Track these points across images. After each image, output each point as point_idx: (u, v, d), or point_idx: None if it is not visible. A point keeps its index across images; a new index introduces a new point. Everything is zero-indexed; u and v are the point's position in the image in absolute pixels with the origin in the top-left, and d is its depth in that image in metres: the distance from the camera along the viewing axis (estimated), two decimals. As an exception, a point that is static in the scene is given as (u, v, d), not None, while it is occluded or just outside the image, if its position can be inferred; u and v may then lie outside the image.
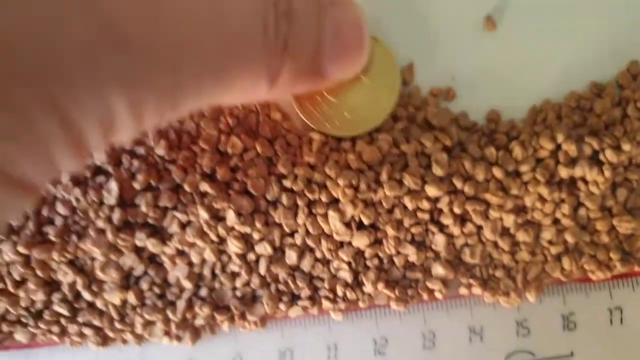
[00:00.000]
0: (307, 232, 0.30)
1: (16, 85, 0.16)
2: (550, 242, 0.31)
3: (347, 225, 0.30)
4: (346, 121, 0.31)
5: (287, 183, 0.30)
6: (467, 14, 0.33)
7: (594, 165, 0.30)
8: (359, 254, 0.30)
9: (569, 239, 0.31)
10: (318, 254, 0.30)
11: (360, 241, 0.30)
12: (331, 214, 0.30)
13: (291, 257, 0.30)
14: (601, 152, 0.30)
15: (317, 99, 0.31)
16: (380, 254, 0.30)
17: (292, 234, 0.31)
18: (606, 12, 0.33)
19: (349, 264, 0.30)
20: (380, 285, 0.30)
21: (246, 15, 0.21)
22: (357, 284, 0.31)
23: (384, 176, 0.30)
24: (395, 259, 0.30)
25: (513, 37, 0.33)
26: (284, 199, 0.30)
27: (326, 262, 0.31)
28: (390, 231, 0.30)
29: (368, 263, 0.30)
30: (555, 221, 0.31)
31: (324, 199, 0.30)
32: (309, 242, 0.30)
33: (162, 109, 0.20)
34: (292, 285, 0.30)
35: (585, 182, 0.31)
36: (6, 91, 0.16)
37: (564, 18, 0.33)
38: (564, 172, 0.30)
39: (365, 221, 0.30)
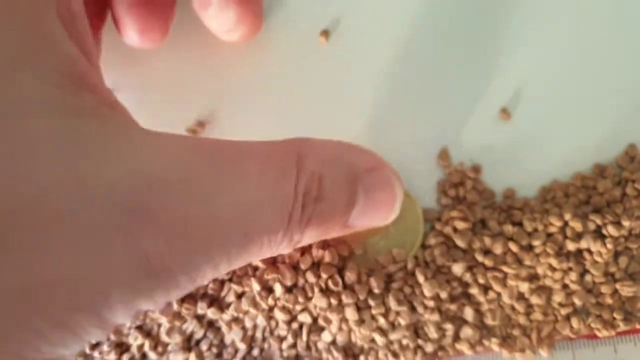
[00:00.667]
0: (342, 318, 0.34)
1: (73, 313, 0.20)
2: (560, 304, 0.35)
3: (392, 324, 0.34)
4: (370, 262, 0.36)
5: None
6: (484, 105, 0.38)
7: (597, 239, 0.35)
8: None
9: (577, 301, 0.35)
10: (354, 335, 0.35)
11: (399, 334, 0.34)
12: (375, 312, 0.34)
13: (327, 336, 0.35)
14: (604, 227, 0.35)
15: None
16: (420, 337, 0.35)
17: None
18: (607, 100, 0.37)
19: (386, 346, 0.35)
20: (417, 358, 0.34)
21: (273, 210, 0.24)
22: (393, 356, 0.35)
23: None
24: (430, 335, 0.35)
25: (525, 124, 0.38)
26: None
27: (363, 341, 0.35)
28: (432, 317, 0.34)
29: (405, 342, 0.35)
30: (565, 286, 0.35)
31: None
32: (344, 327, 0.34)
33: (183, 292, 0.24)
34: (329, 356, 0.35)
35: (590, 252, 0.35)
36: (66, 317, 0.20)
37: (570, 106, 0.38)
38: (571, 245, 0.35)
39: (402, 322, 0.34)
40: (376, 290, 0.34)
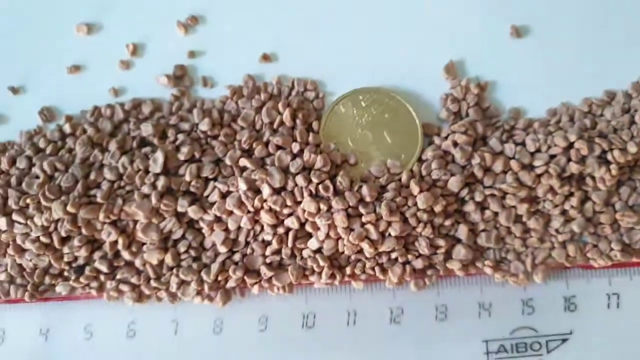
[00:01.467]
0: (331, 225, 0.32)
1: None
2: (557, 231, 0.34)
3: (382, 234, 0.33)
4: (362, 172, 0.35)
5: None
6: (495, 22, 0.36)
7: (602, 164, 0.33)
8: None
9: (575, 229, 0.33)
10: (341, 244, 0.33)
11: (389, 244, 0.32)
12: (365, 219, 0.32)
13: (313, 244, 0.33)
14: (609, 152, 0.33)
15: None
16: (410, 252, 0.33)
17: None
18: (623, 28, 0.36)
19: (374, 258, 0.33)
20: (405, 275, 0.33)
21: None
22: (381, 270, 0.33)
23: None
24: (421, 251, 0.33)
25: (536, 45, 0.36)
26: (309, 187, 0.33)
27: (350, 251, 0.33)
28: (425, 232, 0.32)
29: (393, 255, 0.33)
30: (564, 212, 0.34)
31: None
32: (332, 234, 0.32)
33: None
34: (314, 265, 0.33)
35: (593, 178, 0.33)
36: None
37: (584, 31, 0.36)
38: (574, 168, 0.33)
39: (393, 233, 0.32)
40: (368, 199, 0.33)
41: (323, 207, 0.32)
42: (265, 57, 0.36)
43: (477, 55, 0.36)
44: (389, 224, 0.32)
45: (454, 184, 0.33)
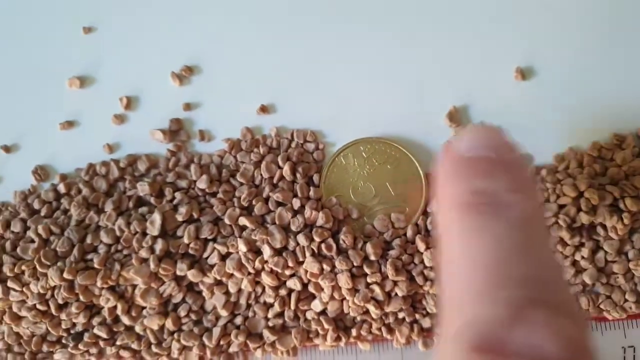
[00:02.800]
0: (335, 286, 0.32)
1: None
2: (569, 283, 0.33)
3: (388, 294, 0.32)
4: (366, 227, 0.34)
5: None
6: (499, 64, 0.35)
7: (613, 213, 0.32)
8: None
9: (587, 280, 0.32)
10: (346, 305, 0.32)
11: (396, 305, 0.32)
12: (370, 279, 0.31)
13: (317, 305, 0.32)
14: (621, 200, 0.32)
15: None
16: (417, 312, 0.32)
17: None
18: (631, 68, 0.35)
19: (381, 319, 0.32)
20: (413, 334, 0.32)
21: None
22: (388, 331, 0.32)
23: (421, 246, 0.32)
24: (429, 309, 0.32)
25: (542, 88, 0.35)
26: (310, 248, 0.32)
27: (356, 313, 0.32)
28: (432, 290, 0.32)
29: (401, 315, 0.32)
30: (574, 263, 0.33)
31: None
32: (336, 295, 0.32)
33: None
34: (318, 327, 0.32)
35: (605, 227, 0.32)
36: None
37: (592, 72, 0.35)
38: (584, 218, 0.32)
39: (400, 292, 0.32)
40: (372, 257, 0.32)
41: (326, 267, 0.31)
42: (264, 109, 0.35)
43: (481, 100, 0.35)
44: (395, 283, 0.31)
45: (460, 239, 0.32)
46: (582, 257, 0.32)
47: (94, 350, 0.33)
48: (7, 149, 0.36)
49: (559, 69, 0.35)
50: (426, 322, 0.32)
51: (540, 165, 0.34)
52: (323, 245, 0.32)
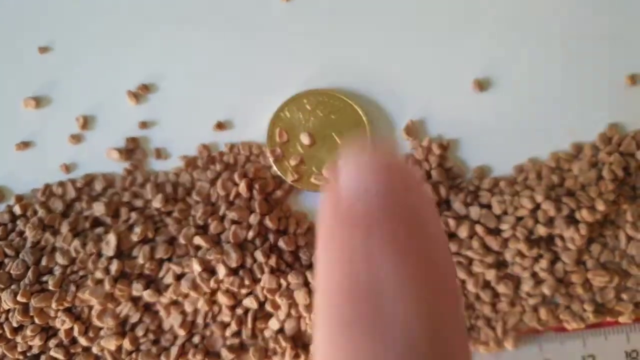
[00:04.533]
0: (292, 304, 0.31)
1: None
2: (528, 294, 0.33)
3: None
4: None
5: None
6: (457, 75, 0.35)
7: (570, 224, 0.32)
8: None
9: (546, 291, 0.32)
10: (303, 322, 0.32)
11: None
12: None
13: (274, 324, 0.32)
14: (577, 211, 0.32)
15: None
16: None
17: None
18: (590, 77, 0.35)
19: None
20: None
21: None
22: None
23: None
24: None
25: (500, 99, 0.35)
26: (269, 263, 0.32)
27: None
28: None
29: None
30: (533, 274, 0.33)
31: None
32: (293, 312, 0.31)
33: None
34: (276, 345, 0.32)
35: (562, 238, 0.32)
36: None
37: (550, 82, 0.35)
38: (542, 230, 0.32)
39: None
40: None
41: (284, 282, 0.31)
42: (220, 125, 0.35)
43: (438, 112, 0.35)
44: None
45: (417, 253, 0.32)
46: (541, 269, 0.32)
47: (51, 373, 0.33)
48: (-37, 171, 0.36)
49: (517, 79, 0.35)
50: (385, 338, 0.32)
51: (499, 176, 0.34)
52: (281, 261, 0.31)
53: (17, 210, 0.35)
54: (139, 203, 0.34)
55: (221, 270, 0.31)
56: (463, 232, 0.32)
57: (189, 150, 0.35)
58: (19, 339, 0.32)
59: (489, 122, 0.35)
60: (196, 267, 0.31)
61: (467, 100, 0.35)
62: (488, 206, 0.33)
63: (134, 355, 0.32)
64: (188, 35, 0.37)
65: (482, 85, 0.35)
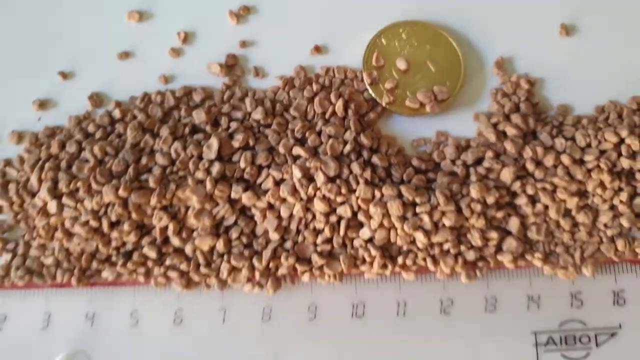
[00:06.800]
0: (385, 214, 0.32)
1: None
2: (606, 226, 0.34)
3: (435, 225, 0.33)
4: (405, 109, 0.36)
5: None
6: (546, 19, 0.37)
7: (653, 160, 0.33)
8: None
9: (624, 223, 0.34)
10: (394, 234, 0.33)
11: (443, 235, 0.32)
12: (419, 209, 0.32)
13: (365, 233, 0.33)
14: (660, 148, 0.34)
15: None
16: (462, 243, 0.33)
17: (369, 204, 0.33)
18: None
19: (426, 249, 0.33)
20: (457, 267, 0.33)
21: None
22: (433, 262, 0.33)
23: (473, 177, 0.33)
24: (474, 242, 0.33)
25: (584, 44, 0.37)
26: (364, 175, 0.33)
27: (403, 241, 0.33)
28: (478, 223, 0.33)
29: (446, 247, 0.33)
30: (612, 207, 0.34)
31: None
32: (385, 223, 0.32)
33: None
34: (365, 254, 0.33)
35: (643, 174, 0.34)
36: None
37: (631, 30, 0.37)
38: (625, 163, 0.33)
39: (447, 223, 0.32)
40: (423, 166, 0.34)
41: (377, 194, 0.32)
42: (317, 49, 0.37)
43: (526, 52, 0.37)
44: (443, 214, 0.32)
45: (506, 174, 0.33)
46: (621, 202, 0.34)
47: (141, 270, 0.34)
48: (64, 75, 0.37)
49: (601, 27, 0.37)
50: (470, 255, 0.33)
51: (582, 115, 0.36)
52: (375, 174, 0.33)
53: (117, 114, 0.36)
54: (238, 115, 0.35)
55: (319, 178, 0.32)
56: (549, 161, 0.34)
57: (285, 71, 0.37)
58: (114, 234, 0.33)
59: (572, 65, 0.37)
60: (296, 173, 0.32)
61: (553, 43, 0.37)
62: (572, 139, 0.34)
63: (225, 257, 0.33)
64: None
65: (568, 30, 0.37)
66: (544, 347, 0.33)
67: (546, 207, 0.34)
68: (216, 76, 0.37)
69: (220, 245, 0.33)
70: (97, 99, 0.37)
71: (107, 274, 0.34)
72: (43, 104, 0.37)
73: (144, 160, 0.34)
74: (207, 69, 0.37)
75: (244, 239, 0.34)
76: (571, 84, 0.36)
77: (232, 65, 0.37)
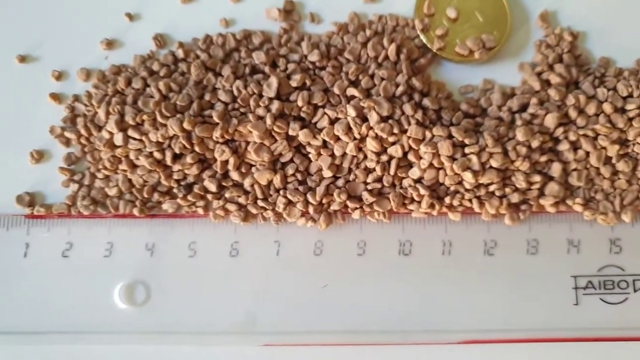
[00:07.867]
0: (435, 154, 0.34)
1: None
2: (647, 174, 0.35)
3: (483, 166, 0.34)
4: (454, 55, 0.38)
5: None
6: None
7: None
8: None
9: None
10: (442, 174, 0.34)
11: (490, 176, 0.34)
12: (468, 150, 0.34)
13: (415, 172, 0.34)
14: None
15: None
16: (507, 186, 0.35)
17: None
18: None
19: (472, 191, 0.35)
20: (501, 209, 0.35)
21: None
22: (479, 203, 0.35)
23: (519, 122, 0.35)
24: (518, 185, 0.35)
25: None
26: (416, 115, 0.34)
27: (451, 181, 0.34)
28: (522, 166, 0.34)
29: (491, 188, 0.35)
30: (656, 154, 0.35)
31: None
32: (435, 163, 0.34)
33: None
34: (414, 194, 0.35)
35: (685, 124, 0.35)
36: None
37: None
38: (666, 113, 0.35)
39: (494, 164, 0.34)
40: (472, 110, 0.35)
41: (428, 134, 0.34)
42: (371, -3, 0.38)
43: (570, 6, 0.38)
44: (491, 155, 0.34)
45: (549, 120, 0.35)
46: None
47: (201, 203, 0.36)
48: (130, 17, 0.39)
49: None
50: (514, 198, 0.35)
51: (624, 68, 0.37)
52: (426, 116, 0.34)
53: (180, 54, 0.37)
54: (295, 57, 0.37)
55: (373, 117, 0.34)
56: (591, 109, 0.35)
57: (340, 17, 0.38)
58: (176, 167, 0.35)
59: (614, 19, 0.38)
60: (351, 112, 0.34)
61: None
62: (614, 89, 0.36)
63: (281, 192, 0.35)
64: None
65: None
66: (583, 291, 0.35)
67: (587, 154, 0.35)
68: (274, 21, 0.38)
69: (277, 181, 0.35)
70: (161, 40, 0.38)
71: (167, 206, 0.36)
72: (110, 44, 0.38)
73: (207, 97, 0.35)
74: (265, 14, 0.38)
75: (299, 176, 0.35)
76: (613, 38, 0.38)
77: (289, 11, 0.38)
